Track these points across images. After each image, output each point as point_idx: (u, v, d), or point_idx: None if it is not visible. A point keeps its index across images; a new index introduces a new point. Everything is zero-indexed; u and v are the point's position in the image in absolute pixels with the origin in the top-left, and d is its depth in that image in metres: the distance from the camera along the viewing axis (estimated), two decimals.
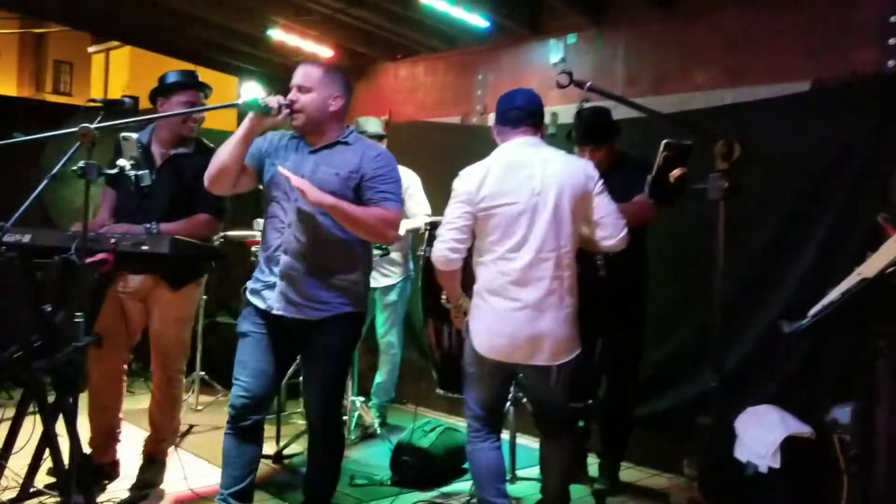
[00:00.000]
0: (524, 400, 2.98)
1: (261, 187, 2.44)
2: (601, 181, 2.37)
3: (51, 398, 2.18)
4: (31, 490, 2.37)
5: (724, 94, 3.35)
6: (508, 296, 2.29)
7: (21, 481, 2.34)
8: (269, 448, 3.39)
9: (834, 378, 2.79)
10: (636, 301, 3.09)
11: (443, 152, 4.14)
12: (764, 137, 3.01)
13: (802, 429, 2.59)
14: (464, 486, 3.05)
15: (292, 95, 2.32)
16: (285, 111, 2.27)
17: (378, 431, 3.76)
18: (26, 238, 2.36)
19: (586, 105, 3.31)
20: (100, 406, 2.83)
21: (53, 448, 2.18)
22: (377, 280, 3.89)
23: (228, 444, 2.35)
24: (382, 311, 4.00)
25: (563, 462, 2.55)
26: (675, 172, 2.49)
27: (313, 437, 2.50)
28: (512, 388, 2.96)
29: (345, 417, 3.73)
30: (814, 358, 2.93)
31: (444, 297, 2.50)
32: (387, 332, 4.00)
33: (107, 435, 2.86)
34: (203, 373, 4.27)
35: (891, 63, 2.89)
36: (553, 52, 4.04)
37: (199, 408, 4.17)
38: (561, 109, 3.32)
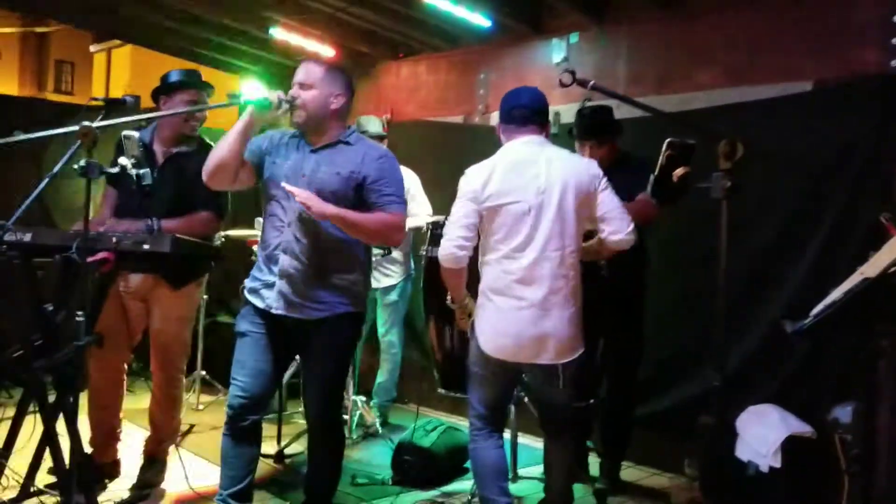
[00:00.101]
0: (526, 399, 2.98)
1: (260, 185, 2.44)
2: (605, 179, 2.36)
3: (51, 397, 2.18)
4: (32, 490, 2.37)
5: (726, 93, 3.35)
6: (513, 295, 2.29)
7: (21, 481, 2.34)
8: (270, 447, 3.40)
9: (835, 377, 2.79)
10: (637, 300, 3.09)
11: (445, 152, 4.15)
12: (766, 137, 3.01)
13: (803, 428, 2.59)
14: (465, 485, 3.04)
15: (293, 92, 2.32)
16: (285, 106, 2.26)
17: (379, 431, 3.76)
18: (27, 237, 2.35)
19: (588, 104, 3.30)
20: (100, 406, 2.83)
21: (54, 447, 2.18)
22: (378, 280, 3.89)
23: (227, 445, 2.34)
24: (383, 310, 4.00)
25: (567, 461, 2.55)
26: (678, 171, 2.50)
27: (313, 437, 2.50)
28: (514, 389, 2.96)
29: (346, 417, 3.73)
30: (815, 357, 2.93)
31: (448, 298, 2.48)
32: (387, 332, 4.00)
33: (107, 435, 2.86)
34: (204, 372, 4.27)
35: (893, 63, 2.89)
36: (555, 52, 4.04)
37: (200, 407, 4.17)
38: (563, 109, 3.31)
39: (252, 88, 4.81)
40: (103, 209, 2.87)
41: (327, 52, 4.74)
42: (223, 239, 3.74)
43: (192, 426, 3.74)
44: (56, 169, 2.17)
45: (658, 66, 3.63)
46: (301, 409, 3.84)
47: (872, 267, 1.88)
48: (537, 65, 4.12)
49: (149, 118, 2.86)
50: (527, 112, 2.38)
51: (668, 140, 2.48)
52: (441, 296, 2.75)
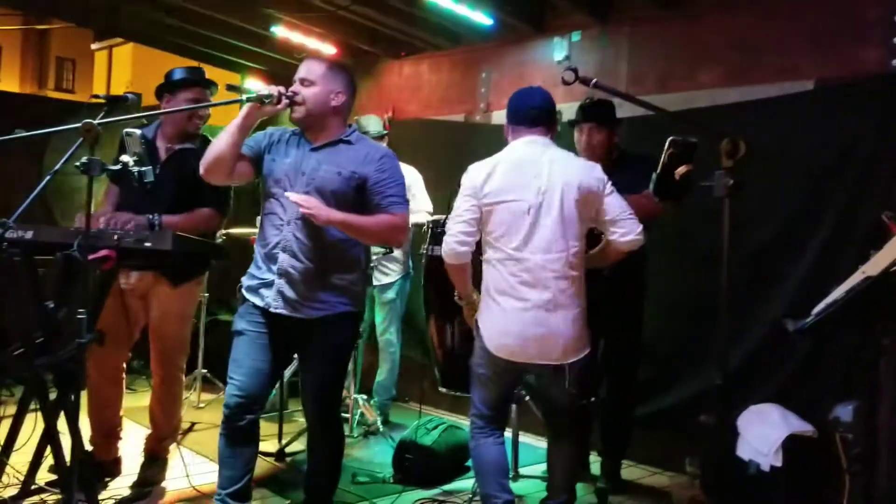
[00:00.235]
0: (527, 398, 2.98)
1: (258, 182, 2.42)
2: (610, 182, 2.37)
3: (52, 396, 2.18)
4: (33, 487, 2.37)
5: (728, 92, 3.34)
6: (518, 296, 2.29)
7: (22, 478, 2.34)
8: (271, 446, 3.40)
9: (837, 376, 2.78)
10: (638, 300, 3.09)
11: (446, 150, 4.15)
12: (767, 136, 3.01)
13: (805, 427, 2.59)
14: (466, 483, 3.04)
15: (294, 88, 2.31)
16: (285, 101, 2.25)
17: (380, 429, 3.76)
18: (28, 234, 2.35)
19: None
20: (100, 405, 2.83)
21: (55, 445, 2.18)
22: (376, 278, 3.90)
23: (224, 445, 2.32)
24: (381, 309, 4.00)
25: (571, 460, 2.55)
26: (681, 170, 2.49)
27: (313, 437, 2.49)
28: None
29: (347, 415, 3.74)
30: (817, 356, 2.93)
31: (456, 295, 2.49)
32: (385, 331, 4.00)
33: (108, 433, 2.86)
34: (205, 370, 4.27)
35: (894, 62, 2.88)
36: (557, 51, 4.03)
37: (201, 405, 4.17)
38: (565, 107, 3.30)
39: (253, 85, 4.82)
40: (105, 206, 2.87)
41: (329, 50, 4.74)
42: (224, 237, 3.75)
43: (193, 424, 3.74)
44: (58, 166, 2.17)
45: (659, 66, 3.63)
46: (301, 407, 3.84)
47: (874, 265, 1.88)
48: (539, 63, 4.12)
49: (151, 115, 2.86)
50: (538, 113, 2.40)
51: (671, 138, 2.47)
52: (441, 294, 2.76)
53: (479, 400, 2.44)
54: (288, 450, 3.36)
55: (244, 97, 2.22)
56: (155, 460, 2.87)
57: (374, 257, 3.71)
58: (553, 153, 2.36)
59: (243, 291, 2.39)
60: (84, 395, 2.60)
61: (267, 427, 3.63)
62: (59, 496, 2.30)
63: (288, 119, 2.41)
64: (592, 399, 3.01)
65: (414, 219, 3.72)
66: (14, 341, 2.15)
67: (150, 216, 2.59)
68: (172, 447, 2.93)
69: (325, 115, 2.33)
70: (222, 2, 4.46)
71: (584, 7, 3.82)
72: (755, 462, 2.58)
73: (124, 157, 2.41)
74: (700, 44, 3.49)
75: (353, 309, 2.37)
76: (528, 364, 2.35)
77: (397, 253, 3.93)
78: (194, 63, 4.49)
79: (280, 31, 4.59)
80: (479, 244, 2.40)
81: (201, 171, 2.31)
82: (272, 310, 2.30)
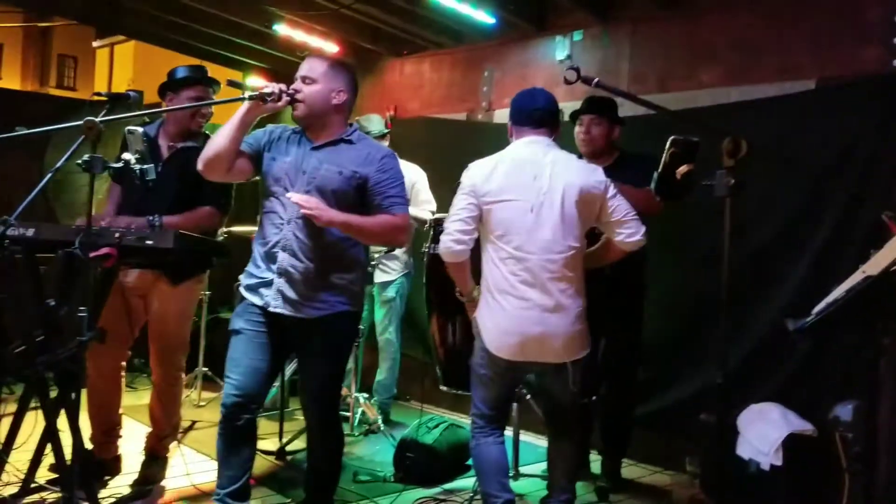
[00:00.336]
0: (528, 397, 2.98)
1: (256, 178, 2.41)
2: (612, 185, 2.37)
3: (52, 393, 2.18)
4: (33, 486, 2.37)
5: (729, 92, 3.34)
6: (519, 295, 2.29)
7: (22, 477, 2.34)
8: (272, 444, 3.41)
9: (837, 376, 2.78)
10: (638, 299, 3.09)
11: (448, 149, 4.14)
12: (768, 136, 3.01)
13: (805, 426, 2.60)
14: (467, 482, 3.05)
15: (296, 85, 2.30)
16: (286, 98, 2.24)
17: (381, 428, 3.76)
18: (30, 232, 2.36)
19: None
20: (99, 403, 2.83)
21: (55, 443, 2.18)
22: (376, 276, 3.90)
23: (222, 444, 2.31)
24: (381, 307, 4.00)
25: (571, 458, 2.55)
26: (682, 169, 2.49)
27: (312, 436, 2.49)
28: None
29: (348, 414, 3.74)
30: (817, 355, 2.93)
31: (458, 291, 2.49)
32: (385, 329, 4.00)
33: (107, 432, 2.86)
34: (206, 369, 4.28)
35: (895, 62, 2.88)
36: (559, 50, 4.03)
37: (202, 404, 4.18)
38: (566, 106, 3.30)
39: (255, 83, 4.82)
40: (107, 205, 2.87)
41: (331, 48, 4.74)
42: (226, 235, 3.75)
43: (193, 423, 3.74)
44: (59, 164, 2.18)
45: (661, 65, 3.63)
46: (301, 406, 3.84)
47: (874, 265, 1.88)
48: (541, 62, 4.12)
49: (154, 113, 2.86)
50: (545, 115, 2.41)
51: (672, 137, 2.48)
52: (443, 292, 2.76)
53: (480, 399, 2.44)
54: (289, 448, 3.37)
55: (246, 95, 2.22)
56: (155, 459, 2.87)
57: (375, 255, 3.71)
58: (555, 154, 2.37)
59: (241, 290, 2.38)
60: (83, 394, 2.61)
61: (268, 425, 3.65)
62: (60, 495, 2.30)
63: (290, 117, 2.40)
64: (593, 398, 3.02)
65: (417, 213, 3.74)
66: (15, 339, 2.16)
67: (150, 218, 2.59)
68: (173, 446, 2.93)
69: (326, 114, 2.32)
70: (225, 0, 4.46)
71: (585, 6, 3.82)
72: (755, 461, 2.58)
73: (126, 155, 2.41)
74: (701, 43, 3.49)
75: (352, 308, 2.36)
76: (528, 363, 2.35)
77: (398, 251, 3.93)
78: (196, 61, 4.49)
79: (282, 29, 4.59)
80: (478, 241, 2.40)
81: (200, 166, 2.30)
82: (271, 309, 2.29)
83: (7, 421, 2.26)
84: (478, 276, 2.44)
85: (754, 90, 3.25)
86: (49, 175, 2.17)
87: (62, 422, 2.14)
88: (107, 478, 2.85)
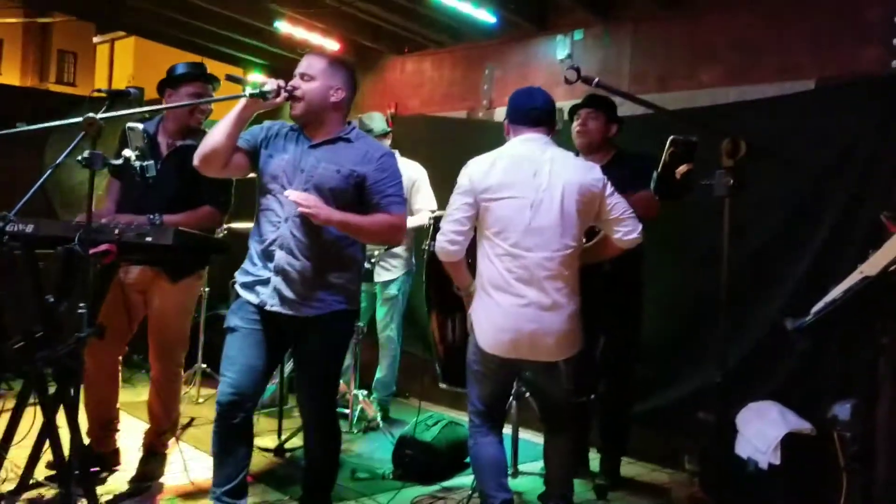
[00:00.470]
0: (527, 395, 2.98)
1: (252, 175, 2.40)
2: (609, 184, 2.37)
3: (50, 390, 2.18)
4: (31, 482, 2.38)
5: (729, 92, 3.34)
6: (514, 292, 2.30)
7: (20, 473, 2.34)
8: (270, 441, 3.41)
9: (835, 375, 2.79)
10: (636, 296, 3.10)
11: (448, 147, 4.14)
12: (768, 136, 3.01)
13: (803, 425, 2.60)
14: (466, 480, 3.05)
15: (294, 82, 2.29)
16: (284, 94, 2.23)
17: (380, 425, 3.77)
18: (29, 228, 2.36)
19: None
20: (97, 398, 2.83)
21: (54, 440, 2.18)
22: (378, 274, 3.90)
23: (218, 442, 2.30)
24: (383, 305, 4.00)
25: (567, 455, 2.56)
26: (682, 169, 2.49)
27: (309, 434, 2.48)
28: (515, 383, 2.96)
29: (347, 411, 3.75)
30: (816, 355, 2.93)
31: (455, 286, 2.50)
32: (386, 327, 4.01)
33: (105, 426, 2.87)
34: (204, 365, 4.28)
35: (894, 63, 2.88)
36: (560, 49, 4.03)
37: (201, 401, 4.18)
38: (566, 105, 3.31)
39: (254, 79, 4.81)
40: (106, 201, 2.87)
41: (332, 46, 4.74)
42: (225, 231, 3.75)
43: (192, 419, 3.75)
44: (59, 160, 2.18)
45: (661, 65, 3.63)
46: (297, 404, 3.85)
47: (872, 265, 1.89)
48: (542, 61, 4.12)
49: (154, 110, 2.85)
50: (542, 114, 2.41)
51: (672, 137, 2.48)
52: (443, 290, 2.76)
53: (476, 396, 2.45)
54: (287, 445, 3.37)
55: (247, 92, 2.21)
56: (154, 455, 2.87)
57: (375, 253, 3.71)
58: (553, 152, 2.37)
59: (237, 287, 2.37)
60: (81, 389, 2.61)
61: (266, 422, 3.65)
62: (58, 491, 2.30)
63: (288, 114, 2.40)
64: (591, 396, 3.02)
65: (416, 221, 3.73)
66: (14, 335, 2.16)
67: (151, 216, 2.59)
68: (171, 442, 2.93)
69: (324, 111, 2.31)
70: None
71: (586, 6, 3.82)
72: (754, 460, 2.59)
73: (126, 152, 2.41)
74: (701, 43, 3.49)
75: (349, 307, 2.36)
76: (521, 361, 2.35)
77: (400, 249, 3.93)
78: (197, 58, 4.50)
79: (283, 27, 4.59)
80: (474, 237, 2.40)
81: (195, 161, 2.28)
82: (268, 307, 2.28)
83: (5, 417, 2.26)
84: (474, 272, 2.44)
85: (754, 90, 3.25)
86: (49, 171, 2.17)
87: (60, 418, 2.14)
88: (104, 474, 2.85)
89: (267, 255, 2.30)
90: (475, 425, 2.45)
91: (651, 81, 3.65)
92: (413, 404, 4.10)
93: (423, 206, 3.85)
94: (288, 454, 3.35)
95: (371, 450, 3.50)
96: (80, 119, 2.02)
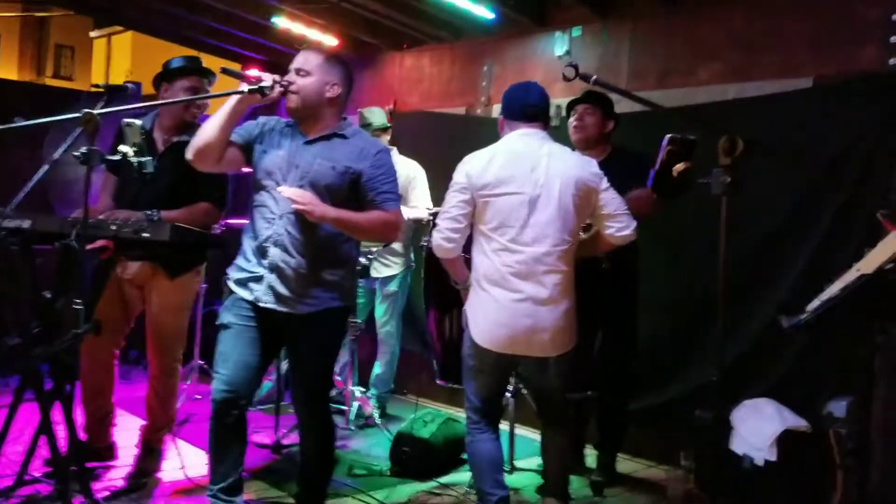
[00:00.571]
0: (524, 391, 2.99)
1: (247, 169, 2.39)
2: (605, 179, 2.37)
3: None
4: (27, 478, 2.38)
5: (728, 89, 3.34)
6: (510, 287, 2.30)
7: (17, 469, 2.34)
8: (267, 438, 3.41)
9: (831, 373, 2.80)
10: (633, 293, 3.10)
11: (447, 143, 4.14)
12: (766, 133, 3.01)
13: (799, 422, 2.61)
14: (463, 476, 3.06)
15: (289, 77, 2.27)
16: (279, 88, 2.22)
17: (378, 422, 3.77)
18: (26, 224, 2.35)
19: None
20: (93, 393, 2.83)
21: (50, 436, 2.18)
22: (378, 270, 3.90)
23: (213, 440, 2.29)
24: (382, 301, 4.00)
25: (563, 449, 2.57)
26: (679, 167, 2.50)
27: (304, 431, 2.47)
28: (512, 380, 2.97)
29: (345, 408, 3.75)
30: (812, 352, 2.94)
31: (453, 281, 2.50)
32: (385, 323, 4.01)
33: (101, 420, 2.87)
34: (202, 361, 4.28)
35: (892, 61, 2.88)
36: (558, 45, 4.03)
37: (198, 397, 4.18)
38: (565, 102, 3.31)
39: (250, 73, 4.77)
40: (103, 196, 2.86)
41: (330, 41, 4.73)
42: (223, 227, 3.74)
43: (189, 416, 3.75)
44: (56, 155, 2.17)
45: (660, 62, 3.62)
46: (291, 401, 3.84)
47: (868, 263, 1.89)
48: (540, 58, 4.11)
49: (151, 106, 2.85)
50: (537, 110, 2.41)
51: (670, 136, 2.48)
52: (441, 286, 2.76)
53: (472, 392, 2.45)
54: (284, 442, 3.37)
55: (246, 89, 2.19)
56: (150, 451, 2.88)
57: (373, 249, 3.71)
58: (550, 147, 2.37)
59: (230, 284, 2.35)
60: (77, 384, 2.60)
61: (263, 419, 3.65)
62: (54, 487, 2.30)
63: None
64: (588, 393, 3.03)
65: (415, 213, 3.73)
66: (11, 331, 2.15)
67: (149, 212, 2.58)
68: (168, 438, 2.93)
69: (319, 107, 2.30)
70: None
71: (585, 2, 3.81)
72: (750, 456, 2.60)
73: (124, 147, 2.40)
74: (700, 40, 3.48)
75: (343, 304, 2.34)
76: (516, 356, 2.36)
77: (398, 246, 3.93)
78: (194, 52, 4.47)
79: (281, 22, 4.57)
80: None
81: (189, 155, 2.27)
82: (262, 304, 2.27)
83: (2, 413, 2.26)
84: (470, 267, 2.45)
85: (752, 87, 3.25)
86: (46, 167, 2.16)
87: (57, 414, 2.14)
88: (100, 468, 2.84)
89: (261, 252, 2.28)
90: (473, 422, 2.46)
91: (650, 78, 3.64)
92: (410, 401, 4.11)
93: (418, 204, 3.85)
94: (285, 450, 3.35)
95: (368, 446, 3.51)
96: (78, 114, 2.02)
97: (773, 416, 2.63)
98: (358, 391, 3.85)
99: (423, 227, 3.65)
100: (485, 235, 2.35)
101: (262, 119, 2.40)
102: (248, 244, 2.33)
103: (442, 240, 2.35)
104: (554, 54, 4.03)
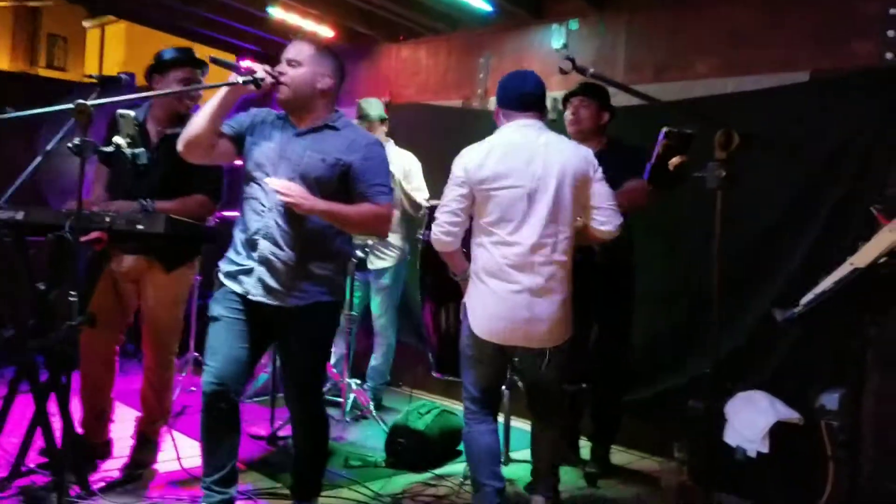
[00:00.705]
0: (519, 383, 3.00)
1: (239, 162, 2.38)
2: (600, 169, 2.38)
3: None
4: (23, 469, 2.37)
5: (724, 83, 3.34)
6: (507, 279, 2.31)
7: (13, 461, 2.34)
8: (263, 429, 3.42)
9: (824, 365, 2.81)
10: (626, 288, 3.11)
11: (443, 135, 4.13)
12: (763, 127, 3.01)
13: (791, 414, 2.63)
14: (458, 467, 3.07)
15: (281, 68, 2.26)
16: (270, 79, 2.20)
17: (373, 413, 3.78)
18: (19, 216, 2.34)
19: None
20: (92, 388, 2.82)
21: (46, 427, 2.18)
22: (372, 262, 3.90)
23: (205, 433, 2.29)
24: (377, 293, 4.01)
25: (553, 443, 2.58)
26: (675, 160, 2.50)
27: (296, 425, 2.46)
28: (507, 372, 2.98)
29: (340, 400, 3.76)
30: (805, 345, 2.96)
31: (451, 272, 2.51)
32: (381, 315, 4.01)
33: (99, 416, 2.86)
34: (197, 354, 4.27)
35: (889, 55, 2.89)
36: (555, 38, 4.02)
37: (193, 388, 4.17)
38: (561, 95, 3.31)
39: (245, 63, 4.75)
40: (96, 187, 2.84)
41: (326, 32, 4.70)
42: (218, 220, 3.73)
43: (184, 407, 3.75)
44: (49, 147, 2.16)
45: (657, 55, 3.62)
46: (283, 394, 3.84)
47: (861, 257, 1.90)
48: (537, 50, 4.10)
49: (145, 97, 2.83)
50: (533, 98, 2.40)
51: (666, 129, 2.48)
52: (437, 279, 2.76)
53: (470, 382, 2.46)
54: (280, 434, 3.38)
55: (240, 80, 2.17)
56: (146, 443, 2.87)
57: (369, 242, 3.71)
58: (548, 137, 2.37)
59: (220, 276, 2.34)
60: (75, 378, 2.60)
61: (259, 410, 3.66)
62: (50, 478, 2.30)
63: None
64: (584, 385, 3.04)
65: (414, 194, 3.76)
66: (6, 323, 2.15)
67: (144, 201, 2.57)
68: (164, 430, 2.94)
69: (310, 98, 2.28)
70: None
71: None
72: (742, 448, 2.61)
73: (118, 139, 2.39)
74: (697, 34, 3.48)
75: (333, 299, 2.33)
76: (513, 347, 2.37)
77: (394, 238, 3.93)
78: (188, 43, 4.45)
79: (276, 13, 4.54)
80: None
81: (179, 147, 2.25)
82: (251, 297, 2.26)
83: None
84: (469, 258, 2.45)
85: (749, 81, 3.25)
86: (39, 158, 2.15)
87: (52, 405, 2.14)
88: (97, 462, 2.85)
89: (251, 245, 2.27)
90: (471, 412, 2.46)
91: (647, 71, 3.64)
92: (406, 393, 4.12)
93: (415, 196, 3.85)
94: (280, 442, 3.35)
95: (364, 438, 3.52)
96: (71, 105, 2.00)
97: (766, 408, 2.65)
98: (354, 383, 3.86)
99: (419, 220, 3.64)
100: (483, 229, 2.36)
101: (253, 111, 2.38)
102: (238, 237, 2.33)
103: (441, 233, 2.35)
104: (551, 47, 4.02)
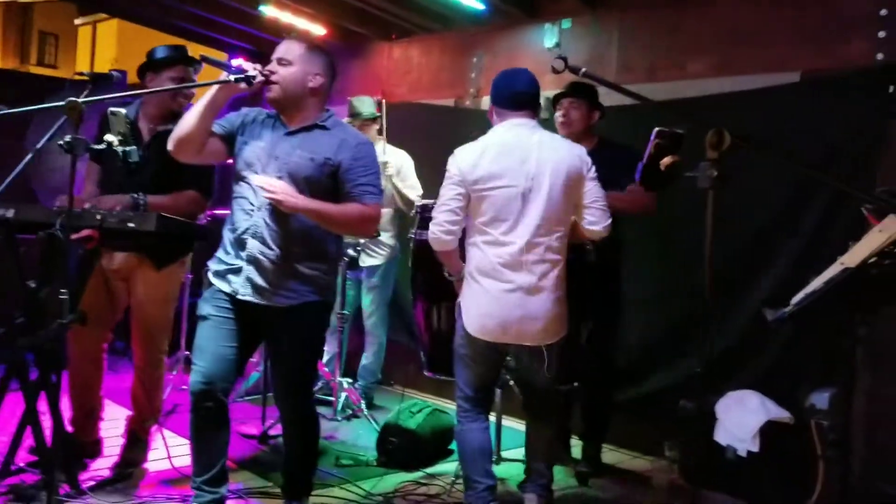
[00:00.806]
0: (511, 383, 3.01)
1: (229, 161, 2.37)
2: (593, 167, 2.38)
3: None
4: (13, 468, 2.36)
5: (716, 83, 3.36)
6: (501, 278, 2.31)
7: (2, 459, 2.32)
8: (254, 428, 3.41)
9: (814, 365, 2.83)
10: (614, 291, 3.12)
11: (435, 134, 4.13)
12: (755, 127, 3.03)
13: (782, 414, 2.64)
14: (449, 466, 3.07)
15: (271, 67, 2.25)
16: (260, 78, 2.19)
17: (365, 412, 3.78)
18: (10, 213, 2.32)
19: None
20: (81, 385, 2.81)
21: (35, 426, 2.17)
22: (363, 260, 3.89)
23: (195, 432, 2.28)
24: (367, 292, 4.00)
25: (548, 442, 2.59)
26: (666, 160, 2.51)
27: (286, 425, 2.46)
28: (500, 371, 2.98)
29: (332, 398, 3.75)
30: (795, 345, 2.97)
31: (447, 272, 2.50)
32: (372, 314, 4.01)
33: (88, 414, 2.85)
34: (188, 352, 4.25)
35: (880, 56, 2.91)
36: (548, 37, 4.02)
37: (184, 387, 4.14)
38: (554, 94, 3.32)
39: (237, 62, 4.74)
40: (87, 185, 2.83)
41: (319, 31, 4.69)
42: (209, 218, 3.72)
43: (175, 406, 3.73)
44: (40, 144, 2.14)
45: (649, 55, 3.63)
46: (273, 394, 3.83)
47: (852, 257, 1.91)
48: (530, 49, 4.11)
49: (137, 94, 2.82)
50: (526, 97, 2.41)
51: (657, 129, 2.49)
52: (429, 278, 2.76)
53: (463, 381, 2.46)
54: (271, 432, 3.37)
55: (232, 77, 2.16)
56: (136, 441, 2.86)
57: (361, 240, 3.71)
58: (541, 136, 2.38)
59: (210, 276, 2.33)
60: (65, 376, 2.59)
61: (250, 409, 3.65)
62: (40, 477, 2.29)
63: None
64: (575, 384, 3.05)
65: (406, 191, 3.75)
66: None
67: (136, 195, 2.56)
68: (154, 428, 2.92)
69: (301, 97, 2.27)
70: None
71: None
72: (733, 447, 2.63)
73: (109, 137, 2.38)
74: (689, 33, 3.49)
75: (321, 299, 2.32)
76: (507, 346, 2.37)
77: (386, 237, 3.93)
78: (180, 41, 4.43)
79: (269, 11, 4.52)
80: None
81: (170, 146, 2.24)
82: (239, 297, 2.25)
83: None
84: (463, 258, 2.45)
85: (741, 81, 3.27)
86: (30, 156, 2.14)
87: (42, 404, 2.12)
88: (86, 460, 2.84)
89: (240, 244, 2.26)
90: (464, 410, 2.47)
91: (639, 71, 3.65)
92: (397, 392, 4.12)
93: (408, 193, 3.85)
94: (272, 441, 3.35)
95: (355, 437, 3.51)
96: (62, 103, 1.99)
97: (757, 408, 2.66)
98: (345, 382, 3.85)
99: (410, 219, 3.64)
100: (478, 228, 2.36)
101: (244, 110, 2.37)
102: (227, 236, 2.32)
103: (441, 232, 2.35)
104: (544, 46, 4.03)
